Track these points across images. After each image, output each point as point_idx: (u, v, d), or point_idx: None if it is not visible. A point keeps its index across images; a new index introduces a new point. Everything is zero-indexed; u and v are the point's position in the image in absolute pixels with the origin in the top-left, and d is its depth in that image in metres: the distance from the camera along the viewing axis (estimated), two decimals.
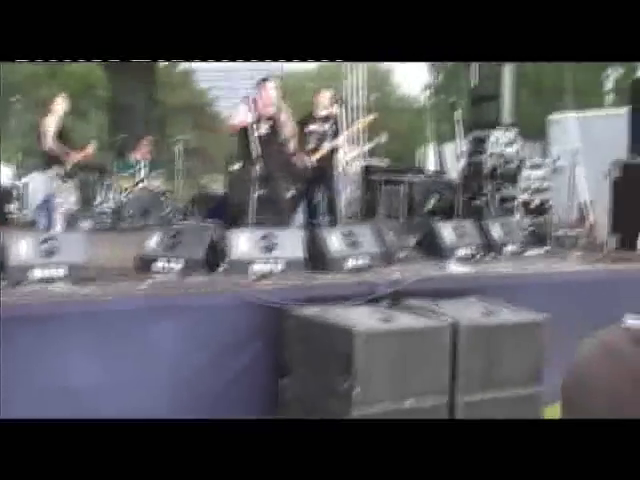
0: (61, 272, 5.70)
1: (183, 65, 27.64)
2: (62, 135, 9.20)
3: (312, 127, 9.02)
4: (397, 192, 11.20)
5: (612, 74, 22.73)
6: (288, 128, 8.74)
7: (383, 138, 10.75)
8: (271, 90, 8.45)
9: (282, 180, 8.33)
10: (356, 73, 15.81)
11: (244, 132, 8.16)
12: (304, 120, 9.16)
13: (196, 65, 19.63)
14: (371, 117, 9.37)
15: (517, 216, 9.47)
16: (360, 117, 12.11)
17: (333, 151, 9.10)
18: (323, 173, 9.02)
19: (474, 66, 12.17)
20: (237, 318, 5.53)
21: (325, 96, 9.19)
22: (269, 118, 8.32)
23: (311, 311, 5.44)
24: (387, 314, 5.40)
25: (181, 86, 24.77)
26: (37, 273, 5.65)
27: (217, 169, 14.90)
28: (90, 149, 9.60)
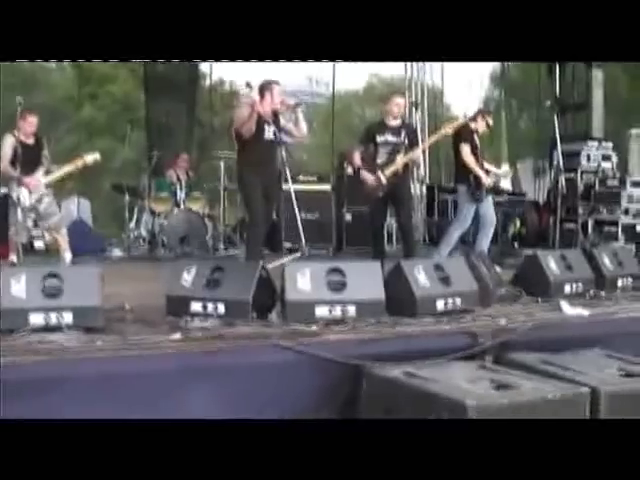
0: (68, 317, 4.42)
1: (227, 87, 26.63)
2: (21, 157, 7.61)
3: (383, 138, 7.64)
4: None
5: None
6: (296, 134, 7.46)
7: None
8: (278, 93, 7.24)
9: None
10: (409, 94, 14.37)
11: (257, 137, 7.06)
12: (373, 129, 7.80)
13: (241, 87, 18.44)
14: (458, 122, 7.82)
15: (621, 242, 7.97)
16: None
17: (408, 166, 7.71)
18: (396, 192, 7.61)
19: (557, 72, 10.73)
20: (296, 380, 4.19)
21: (397, 103, 7.75)
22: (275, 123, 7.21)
23: (397, 371, 4.07)
24: (499, 376, 4.02)
25: (225, 108, 23.74)
26: (36, 319, 4.38)
27: None
28: (77, 163, 7.85)
